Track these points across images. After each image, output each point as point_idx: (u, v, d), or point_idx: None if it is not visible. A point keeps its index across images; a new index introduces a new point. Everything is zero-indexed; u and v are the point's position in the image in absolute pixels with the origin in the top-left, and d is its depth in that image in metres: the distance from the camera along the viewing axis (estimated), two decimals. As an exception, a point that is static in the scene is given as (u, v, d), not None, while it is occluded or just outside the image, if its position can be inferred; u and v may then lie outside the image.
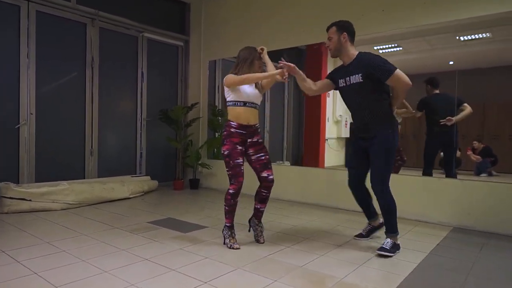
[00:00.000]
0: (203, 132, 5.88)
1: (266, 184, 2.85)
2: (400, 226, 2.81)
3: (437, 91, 4.76)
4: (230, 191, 2.75)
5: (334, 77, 2.90)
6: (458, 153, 5.41)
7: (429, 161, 4.44)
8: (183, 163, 5.77)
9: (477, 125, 7.44)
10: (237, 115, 2.77)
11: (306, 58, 6.33)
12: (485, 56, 7.19)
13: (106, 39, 4.95)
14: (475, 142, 7.05)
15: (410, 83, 2.55)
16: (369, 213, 3.04)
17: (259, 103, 2.88)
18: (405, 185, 3.89)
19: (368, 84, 2.63)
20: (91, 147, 4.83)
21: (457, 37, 6.12)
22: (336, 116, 7.43)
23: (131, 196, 4.72)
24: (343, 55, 2.76)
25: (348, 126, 7.62)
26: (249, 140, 2.82)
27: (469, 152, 6.90)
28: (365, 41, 6.31)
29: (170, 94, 5.92)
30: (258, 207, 2.95)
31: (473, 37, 5.98)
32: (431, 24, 3.95)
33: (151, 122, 5.56)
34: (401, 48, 7.11)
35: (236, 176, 2.72)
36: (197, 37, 5.91)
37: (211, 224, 3.49)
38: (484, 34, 5.89)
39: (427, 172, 4.28)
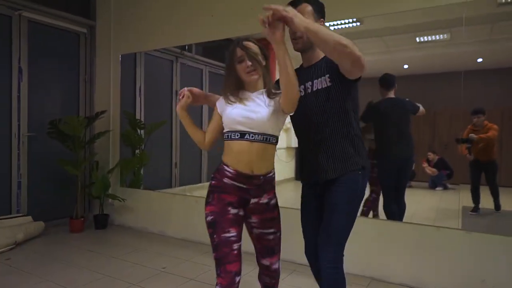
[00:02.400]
0: (114, 150, 4.36)
1: (267, 273, 1.77)
2: None
3: (391, 95, 3.64)
4: None
5: None
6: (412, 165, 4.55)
7: (389, 195, 3.41)
8: (85, 193, 4.22)
9: (429, 134, 6.76)
10: (233, 156, 1.58)
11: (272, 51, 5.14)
12: (441, 60, 6.53)
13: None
14: (429, 153, 6.32)
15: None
16: None
17: (276, 133, 1.64)
18: (389, 236, 2.76)
19: (337, 91, 1.65)
20: None
21: (417, 38, 5.34)
22: (286, 123, 6.37)
23: (-11, 255, 3.12)
24: (313, 50, 1.73)
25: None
26: (253, 200, 1.62)
27: (425, 165, 6.16)
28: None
29: (67, 100, 4.32)
30: None
31: (431, 38, 5.25)
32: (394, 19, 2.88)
33: (36, 139, 3.94)
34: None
35: (223, 263, 1.51)
36: (105, 21, 4.36)
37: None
38: (442, 36, 5.17)
39: (388, 211, 3.25)
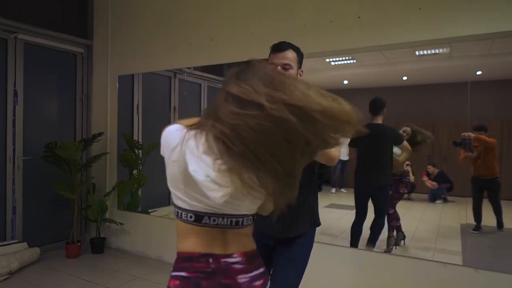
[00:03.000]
0: (111, 172, 4.28)
1: None
2: None
3: (378, 121, 3.56)
4: None
5: None
6: (412, 178, 4.61)
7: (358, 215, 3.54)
8: (82, 217, 4.15)
9: (428, 146, 6.75)
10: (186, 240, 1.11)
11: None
12: (440, 73, 6.55)
13: None
14: (429, 166, 6.32)
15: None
16: None
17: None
18: (391, 270, 2.70)
19: None
20: None
21: (416, 52, 5.34)
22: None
23: (-18, 287, 3.04)
24: None
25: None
26: None
27: (425, 178, 6.15)
28: (318, 53, 5.28)
29: (63, 122, 4.25)
30: None
31: (430, 52, 5.25)
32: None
33: (32, 162, 3.87)
34: (355, 61, 6.20)
35: None
36: (102, 42, 4.31)
37: None
38: (442, 50, 5.17)
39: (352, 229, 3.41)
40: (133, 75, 4.43)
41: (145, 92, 4.59)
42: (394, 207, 3.73)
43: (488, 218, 4.27)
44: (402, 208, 3.89)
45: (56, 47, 4.11)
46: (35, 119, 3.94)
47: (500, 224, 4.36)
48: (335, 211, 6.11)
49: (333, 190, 7.08)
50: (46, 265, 3.64)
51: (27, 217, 3.84)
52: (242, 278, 0.97)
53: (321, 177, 7.31)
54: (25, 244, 3.65)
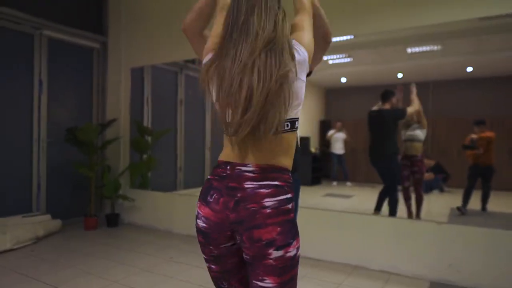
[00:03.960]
0: (124, 155, 4.75)
1: None
2: (368, 283, 2.51)
3: (386, 106, 4.08)
4: None
5: None
6: (425, 169, 4.97)
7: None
8: (98, 194, 4.61)
9: (426, 140, 7.11)
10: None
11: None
12: (434, 69, 6.92)
13: (-17, 36, 3.72)
14: (425, 159, 6.72)
15: None
16: None
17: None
18: (369, 227, 3.12)
19: None
20: (-41, 181, 3.55)
21: (408, 50, 5.71)
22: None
23: (15, 247, 3.49)
24: None
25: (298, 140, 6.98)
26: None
27: None
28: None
29: (82, 109, 4.74)
30: None
31: (422, 49, 5.61)
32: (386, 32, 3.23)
33: (54, 144, 4.34)
34: (351, 59, 6.59)
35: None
36: (116, 38, 4.80)
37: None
38: (434, 47, 5.51)
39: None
40: (143, 71, 4.90)
41: (154, 86, 5.07)
42: (422, 187, 4.15)
43: (474, 204, 4.67)
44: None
45: (75, 43, 4.59)
46: (57, 106, 4.41)
47: (484, 208, 4.77)
48: (331, 199, 6.54)
49: (335, 183, 7.48)
50: (68, 234, 4.10)
51: (50, 192, 4.30)
52: (249, 184, 1.04)
53: (320, 171, 7.72)
54: (49, 216, 4.11)
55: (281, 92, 0.99)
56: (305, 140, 7.30)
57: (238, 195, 1.05)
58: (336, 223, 3.25)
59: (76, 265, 3.11)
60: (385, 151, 3.91)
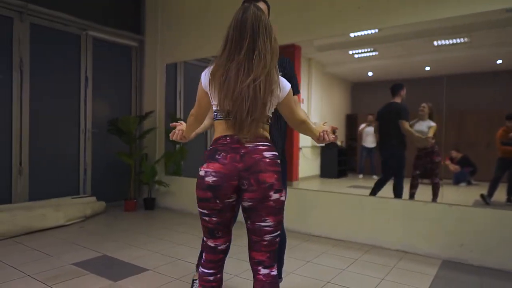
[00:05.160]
0: (159, 144, 5.17)
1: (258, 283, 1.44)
2: (382, 260, 2.65)
3: (397, 100, 4.26)
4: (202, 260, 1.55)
5: None
6: (438, 158, 5.05)
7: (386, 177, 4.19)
8: (137, 180, 5.05)
9: (454, 133, 7.11)
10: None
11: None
12: (463, 62, 6.89)
13: (38, 37, 4.19)
14: (453, 151, 6.75)
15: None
16: None
17: None
18: (385, 210, 3.34)
19: None
20: (20, 164, 4.05)
21: (434, 42, 5.75)
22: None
23: (67, 223, 3.97)
24: None
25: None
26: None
27: (448, 162, 6.57)
28: (339, 45, 5.84)
29: (122, 102, 5.19)
30: None
31: (450, 42, 5.63)
32: (411, 25, 3.38)
33: (99, 134, 4.81)
34: (377, 53, 6.69)
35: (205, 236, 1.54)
36: (153, 37, 5.21)
37: (156, 265, 2.81)
38: (461, 39, 5.53)
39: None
40: (176, 67, 5.28)
41: (185, 81, 5.44)
42: (438, 176, 4.29)
43: (498, 197, 4.74)
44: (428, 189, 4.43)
45: (116, 42, 5.03)
46: (100, 100, 4.87)
47: (510, 199, 4.83)
48: (354, 190, 6.71)
49: (360, 175, 7.61)
50: (111, 214, 4.56)
51: (94, 178, 4.78)
52: (248, 144, 1.37)
53: (346, 164, 7.87)
54: (94, 198, 4.58)
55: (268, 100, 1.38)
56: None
57: (242, 151, 1.36)
58: (355, 206, 3.49)
59: (120, 238, 3.52)
60: (397, 147, 4.11)
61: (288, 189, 4.21)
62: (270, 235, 1.40)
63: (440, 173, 4.46)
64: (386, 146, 4.27)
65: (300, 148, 6.35)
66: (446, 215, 3.04)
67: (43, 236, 3.56)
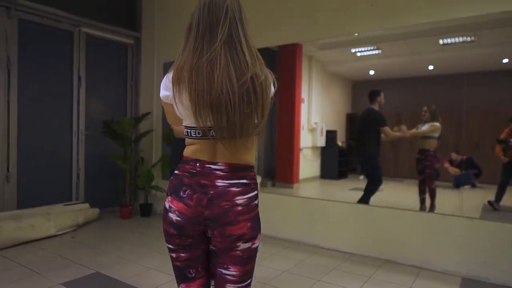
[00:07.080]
0: (156, 147, 4.92)
1: None
2: (398, 277, 2.56)
3: (374, 106, 4.18)
4: None
5: None
6: (437, 164, 4.90)
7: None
8: (132, 185, 4.80)
9: (456, 134, 6.90)
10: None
11: (279, 60, 5.56)
12: (468, 61, 6.67)
13: (27, 34, 3.93)
14: (453, 153, 6.51)
15: None
16: None
17: None
18: (401, 223, 3.12)
19: None
20: (7, 170, 3.79)
21: (440, 41, 5.53)
22: (311, 123, 6.73)
23: (58, 233, 3.72)
24: None
25: (324, 134, 6.96)
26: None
27: (447, 165, 6.34)
28: (343, 43, 5.62)
29: (117, 103, 4.93)
30: None
31: (454, 40, 5.44)
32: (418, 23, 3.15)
33: (92, 136, 4.55)
34: (380, 51, 6.47)
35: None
36: (149, 33, 4.94)
37: (152, 285, 2.58)
38: (468, 38, 5.33)
39: None
40: (174, 64, 5.02)
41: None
42: (432, 178, 4.26)
43: (506, 201, 4.57)
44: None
45: (111, 39, 4.76)
46: (94, 100, 4.61)
47: None
48: (355, 192, 6.52)
49: (361, 177, 7.43)
50: (105, 222, 4.32)
51: (88, 183, 4.53)
52: (219, 182, 1.10)
53: (346, 165, 7.68)
54: (87, 205, 4.32)
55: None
56: (332, 134, 7.27)
57: (211, 192, 1.10)
58: (366, 217, 3.28)
59: (114, 251, 3.28)
60: (366, 149, 4.10)
61: (295, 198, 4.01)
62: (233, 285, 1.15)
63: (435, 177, 4.35)
64: (360, 151, 4.31)
65: (301, 149, 6.16)
66: (465, 230, 2.83)
67: (31, 248, 3.32)
